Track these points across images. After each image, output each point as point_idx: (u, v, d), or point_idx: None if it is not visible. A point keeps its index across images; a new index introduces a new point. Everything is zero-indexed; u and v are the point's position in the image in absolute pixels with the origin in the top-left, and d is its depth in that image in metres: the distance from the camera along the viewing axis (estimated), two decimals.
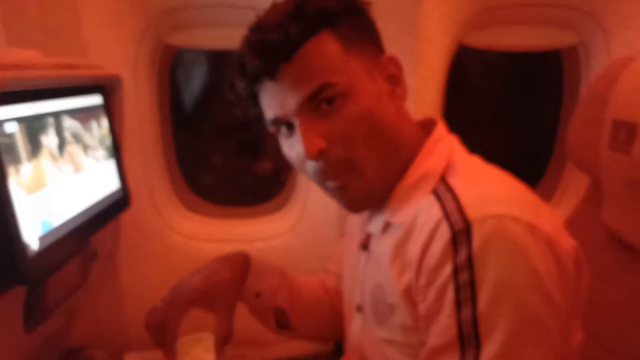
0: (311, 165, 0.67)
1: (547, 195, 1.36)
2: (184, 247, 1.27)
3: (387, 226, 0.71)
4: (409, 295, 0.64)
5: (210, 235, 1.30)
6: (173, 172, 1.35)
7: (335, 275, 0.97)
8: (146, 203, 1.23)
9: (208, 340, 0.79)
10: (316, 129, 0.64)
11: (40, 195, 0.72)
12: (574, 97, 1.33)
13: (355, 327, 0.79)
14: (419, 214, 0.65)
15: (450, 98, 1.22)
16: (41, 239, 0.70)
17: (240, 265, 0.85)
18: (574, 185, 1.31)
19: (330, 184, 0.68)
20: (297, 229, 1.28)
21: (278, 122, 0.68)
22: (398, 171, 0.70)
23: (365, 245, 0.77)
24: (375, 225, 0.73)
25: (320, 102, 0.64)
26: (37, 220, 0.70)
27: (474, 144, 0.77)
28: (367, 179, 0.67)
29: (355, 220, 0.85)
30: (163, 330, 0.78)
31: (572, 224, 0.91)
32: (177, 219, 1.30)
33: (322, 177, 0.68)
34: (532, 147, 1.53)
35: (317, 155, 0.64)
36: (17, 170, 0.67)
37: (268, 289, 0.88)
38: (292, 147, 0.68)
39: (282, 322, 0.92)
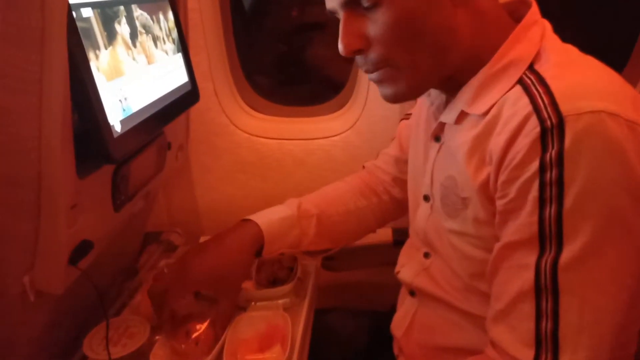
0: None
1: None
2: (248, 143, 1.33)
3: (462, 116, 0.69)
4: (486, 190, 0.64)
5: (272, 133, 1.34)
6: (235, 71, 1.38)
7: (395, 160, 0.98)
8: (212, 100, 1.28)
9: None
10: (356, 27, 0.64)
11: (118, 82, 0.76)
12: None
13: (422, 215, 0.81)
14: (503, 106, 0.62)
15: None
16: (122, 122, 0.76)
17: (251, 244, 0.85)
18: None
19: (370, 75, 0.69)
20: (357, 127, 1.29)
21: (332, 14, 0.68)
22: (452, 66, 0.67)
23: (437, 136, 0.76)
24: (449, 115, 0.71)
25: (360, 1, 0.62)
26: (117, 105, 0.75)
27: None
28: (406, 77, 0.67)
29: (423, 108, 0.84)
30: (162, 302, 0.81)
31: None
32: (241, 116, 1.35)
33: (362, 69, 0.69)
34: (614, 34, 1.40)
35: (352, 53, 0.66)
36: (97, 56, 0.71)
37: (289, 246, 0.90)
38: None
39: (313, 254, 0.98)
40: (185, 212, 1.36)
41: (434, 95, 0.79)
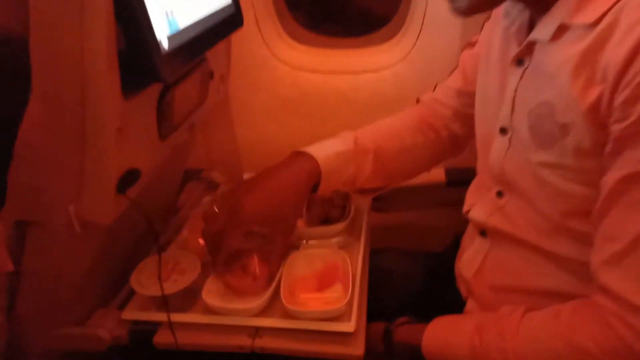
0: None
1: None
2: (291, 77, 1.25)
3: (561, 31, 0.60)
4: (595, 114, 0.56)
5: (317, 66, 1.26)
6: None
7: (457, 92, 0.90)
8: (252, 30, 1.19)
9: None
10: None
11: None
12: None
13: (497, 150, 0.73)
14: (622, 11, 0.53)
15: None
16: (170, 38, 0.68)
17: (306, 180, 0.78)
18: None
19: None
20: (410, 59, 1.20)
21: None
22: None
23: (520, 59, 0.68)
24: (544, 30, 0.62)
25: None
26: (164, 18, 0.68)
27: None
28: None
29: (496, 32, 0.75)
30: (217, 243, 0.75)
31: None
32: (283, 48, 1.26)
33: None
34: None
35: None
36: None
37: (344, 183, 0.84)
38: None
39: (364, 192, 0.92)
40: (224, 150, 1.30)
41: (514, 14, 0.70)
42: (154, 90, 0.75)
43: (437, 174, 1.22)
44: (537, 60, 0.65)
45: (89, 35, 0.58)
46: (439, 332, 0.74)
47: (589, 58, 0.56)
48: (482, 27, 0.84)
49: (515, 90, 0.69)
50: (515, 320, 0.65)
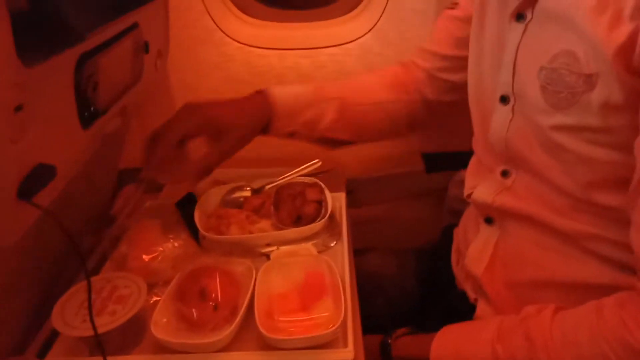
0: None
1: None
2: (241, 54, 1.07)
3: None
4: (627, 57, 0.48)
5: (270, 42, 1.09)
6: None
7: (433, 55, 0.83)
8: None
9: None
10: None
11: None
12: None
13: (499, 122, 0.65)
14: None
15: None
16: None
17: (261, 109, 0.76)
18: None
19: None
20: (379, 29, 1.05)
21: None
22: None
23: (519, 13, 0.60)
24: None
25: None
26: None
27: None
28: None
29: None
30: (154, 143, 0.71)
31: None
32: (230, 21, 1.08)
33: None
34: None
35: None
36: None
37: (303, 125, 0.79)
38: None
39: (334, 144, 0.84)
40: None
41: None
42: (69, 58, 0.55)
43: (413, 161, 1.09)
44: (543, 9, 0.58)
45: None
46: (451, 343, 0.63)
47: None
48: None
49: (517, 50, 0.61)
50: (546, 322, 0.55)
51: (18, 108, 0.46)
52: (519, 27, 0.61)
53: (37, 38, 0.49)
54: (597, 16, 0.50)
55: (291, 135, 0.79)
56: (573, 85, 0.53)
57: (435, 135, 1.09)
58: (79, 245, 0.56)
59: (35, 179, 0.49)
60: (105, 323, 0.56)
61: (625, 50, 0.48)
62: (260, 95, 0.77)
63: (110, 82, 0.67)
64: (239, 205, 0.85)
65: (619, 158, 0.53)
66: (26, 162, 0.49)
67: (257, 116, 0.75)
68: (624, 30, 0.48)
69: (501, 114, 0.64)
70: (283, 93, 0.78)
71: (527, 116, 0.61)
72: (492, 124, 0.66)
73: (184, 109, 0.72)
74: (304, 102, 0.79)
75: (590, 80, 0.52)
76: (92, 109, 0.62)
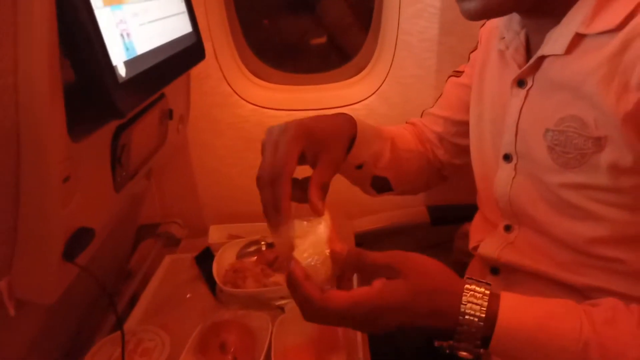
0: None
1: None
2: (255, 116, 1.14)
3: (577, 41, 0.55)
4: (635, 123, 0.50)
5: (282, 104, 1.15)
6: (236, 34, 1.17)
7: (444, 120, 0.85)
8: (212, 66, 1.08)
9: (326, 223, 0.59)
10: None
11: (118, 12, 0.56)
12: None
13: (503, 180, 0.67)
14: None
15: None
16: (127, 64, 0.56)
17: (347, 128, 0.69)
18: None
19: None
20: (383, 92, 1.12)
21: None
22: None
23: (521, 80, 0.63)
24: (555, 44, 0.57)
25: None
26: (119, 40, 0.55)
27: None
28: None
29: (490, 58, 0.71)
30: (273, 183, 0.58)
31: None
32: (245, 85, 1.15)
33: None
34: None
35: None
36: None
37: (370, 158, 0.75)
38: None
39: (382, 188, 0.82)
40: (182, 200, 1.15)
41: (509, 37, 0.66)
42: (107, 131, 0.61)
43: (420, 213, 1.13)
44: (545, 77, 0.60)
45: (24, 57, 0.45)
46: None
47: (619, 64, 0.51)
48: (469, 58, 0.81)
49: (520, 113, 0.63)
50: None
51: (66, 179, 0.51)
52: (521, 92, 0.63)
53: (81, 110, 0.54)
54: (606, 87, 0.52)
55: (359, 167, 0.75)
56: (582, 147, 0.55)
57: (440, 188, 1.14)
58: (113, 299, 0.61)
59: (78, 242, 0.54)
60: None
61: (633, 117, 0.50)
62: (346, 115, 0.72)
63: (140, 148, 0.73)
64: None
65: (629, 217, 0.54)
66: (70, 227, 0.54)
67: (348, 129, 0.70)
68: (632, 98, 0.50)
69: (504, 171, 0.66)
70: (361, 121, 0.73)
71: (532, 174, 0.62)
72: (496, 181, 0.68)
73: (283, 133, 0.62)
74: (372, 133, 0.75)
75: (599, 143, 0.54)
76: (123, 173, 0.68)
